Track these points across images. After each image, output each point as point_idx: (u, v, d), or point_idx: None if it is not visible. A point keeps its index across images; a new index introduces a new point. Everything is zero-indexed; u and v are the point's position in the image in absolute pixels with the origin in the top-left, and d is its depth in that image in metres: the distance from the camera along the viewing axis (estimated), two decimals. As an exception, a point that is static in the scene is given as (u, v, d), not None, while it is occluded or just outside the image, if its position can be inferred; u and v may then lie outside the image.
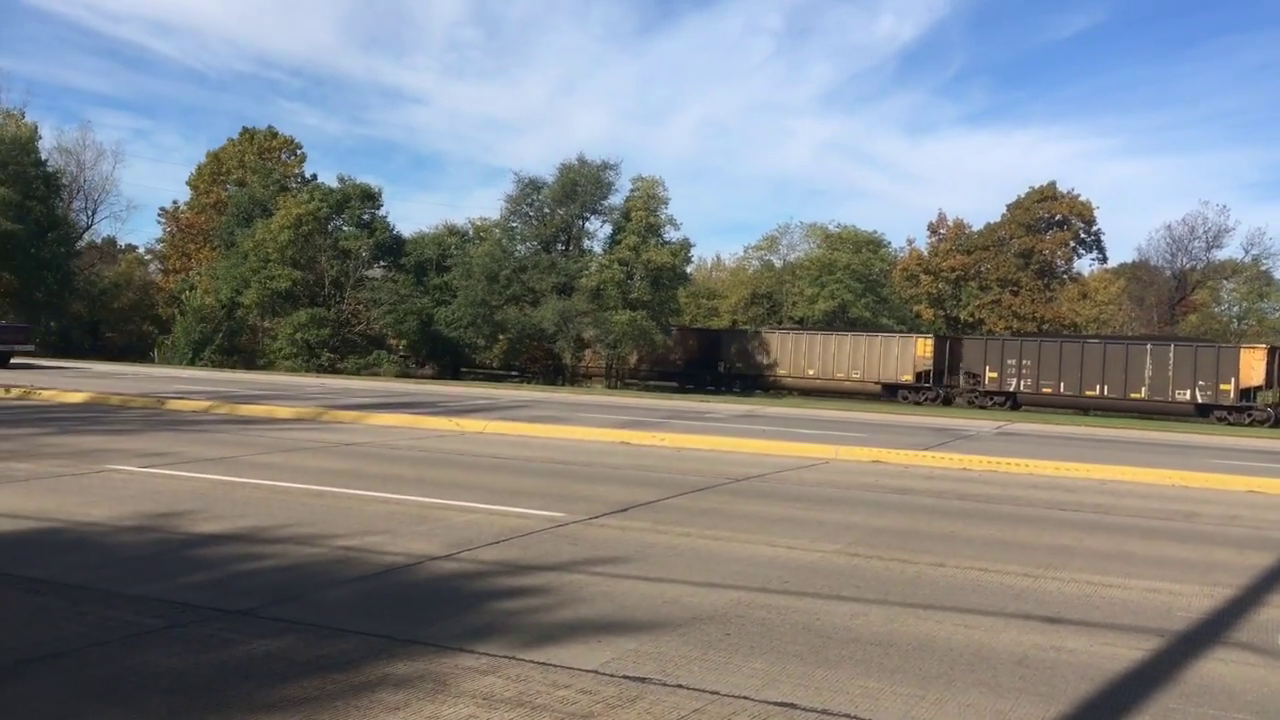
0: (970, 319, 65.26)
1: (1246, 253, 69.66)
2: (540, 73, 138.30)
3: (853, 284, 64.34)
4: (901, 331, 51.56)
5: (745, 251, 77.75)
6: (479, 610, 6.41)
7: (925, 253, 69.41)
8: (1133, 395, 40.18)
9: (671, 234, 50.11)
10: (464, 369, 56.53)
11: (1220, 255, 69.71)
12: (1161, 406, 39.69)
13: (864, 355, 46.37)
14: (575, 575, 7.37)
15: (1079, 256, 68.27)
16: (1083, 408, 41.36)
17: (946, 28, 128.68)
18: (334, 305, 52.06)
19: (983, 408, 41.39)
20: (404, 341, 54.70)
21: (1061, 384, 41.46)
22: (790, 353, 48.48)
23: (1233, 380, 38.37)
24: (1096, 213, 66.32)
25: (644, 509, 10.40)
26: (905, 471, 14.78)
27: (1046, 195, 66.22)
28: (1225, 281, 71.46)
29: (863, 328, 56.86)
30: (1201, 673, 5.67)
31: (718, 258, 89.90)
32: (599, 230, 52.42)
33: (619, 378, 51.46)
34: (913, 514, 10.80)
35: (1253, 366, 38.28)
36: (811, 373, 47.74)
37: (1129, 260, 72.89)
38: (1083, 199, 66.08)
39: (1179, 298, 68.77)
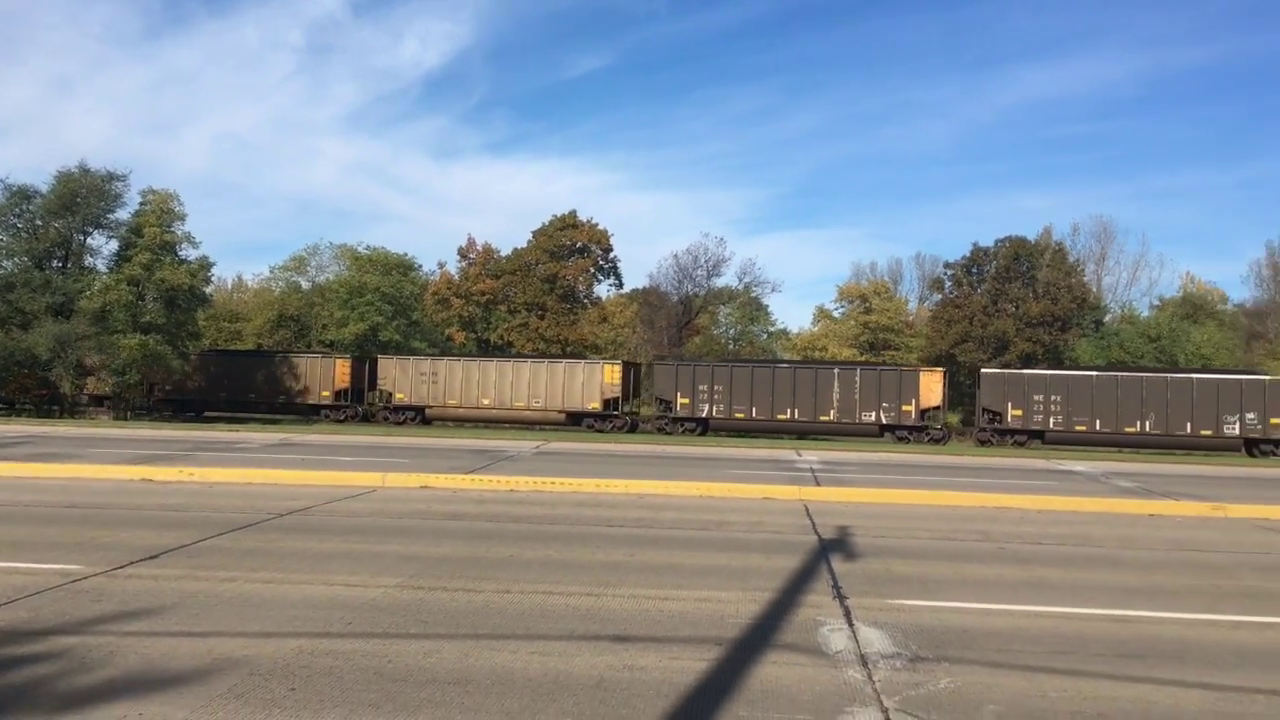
0: (500, 341, 66.88)
1: (740, 281, 77.72)
2: (27, 70, 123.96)
3: (384, 307, 63.67)
4: (588, 359, 49.30)
5: (271, 272, 74.50)
6: (-19, 693, 5.34)
7: (456, 276, 70.20)
8: (822, 418, 41.77)
9: (189, 252, 46.54)
10: (-68, 404, 48.96)
11: (719, 283, 77.09)
12: (850, 428, 41.68)
13: (546, 383, 44.52)
14: (103, 636, 6.41)
15: (599, 282, 72.29)
16: (776, 431, 42.31)
17: (468, 58, 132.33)
18: None
19: (671, 434, 41.45)
20: None
21: (754, 409, 42.08)
22: (461, 381, 45.36)
23: (914, 401, 41.12)
24: (612, 241, 70.65)
25: (178, 554, 9.35)
26: (455, 496, 14.62)
27: (568, 223, 69.51)
28: (723, 306, 79.14)
29: (546, 355, 55.57)
30: (761, 678, 5.96)
31: (240, 278, 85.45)
32: (104, 247, 47.38)
33: (129, 408, 46.98)
34: (471, 540, 10.64)
35: (931, 389, 41.78)
36: (487, 402, 44.98)
37: (641, 286, 78.57)
38: (600, 228, 70.05)
39: (685, 321, 75.03)
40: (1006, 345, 61.91)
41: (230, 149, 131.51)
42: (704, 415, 42.53)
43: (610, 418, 43.88)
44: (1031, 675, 6.17)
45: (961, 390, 58.15)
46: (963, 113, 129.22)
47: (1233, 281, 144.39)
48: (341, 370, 48.04)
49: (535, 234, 69.91)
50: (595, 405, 43.92)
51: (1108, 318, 70.13)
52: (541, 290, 67.05)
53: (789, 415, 42.01)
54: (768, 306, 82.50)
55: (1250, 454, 38.56)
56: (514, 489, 15.51)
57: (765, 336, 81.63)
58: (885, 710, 5.41)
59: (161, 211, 45.72)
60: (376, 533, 11.06)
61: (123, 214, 46.18)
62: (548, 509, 13.36)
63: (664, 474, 17.93)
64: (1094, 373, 42.20)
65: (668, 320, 74.78)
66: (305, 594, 7.82)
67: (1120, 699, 5.79)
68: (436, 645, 6.47)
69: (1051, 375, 41.88)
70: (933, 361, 57.97)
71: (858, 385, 41.95)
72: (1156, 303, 71.42)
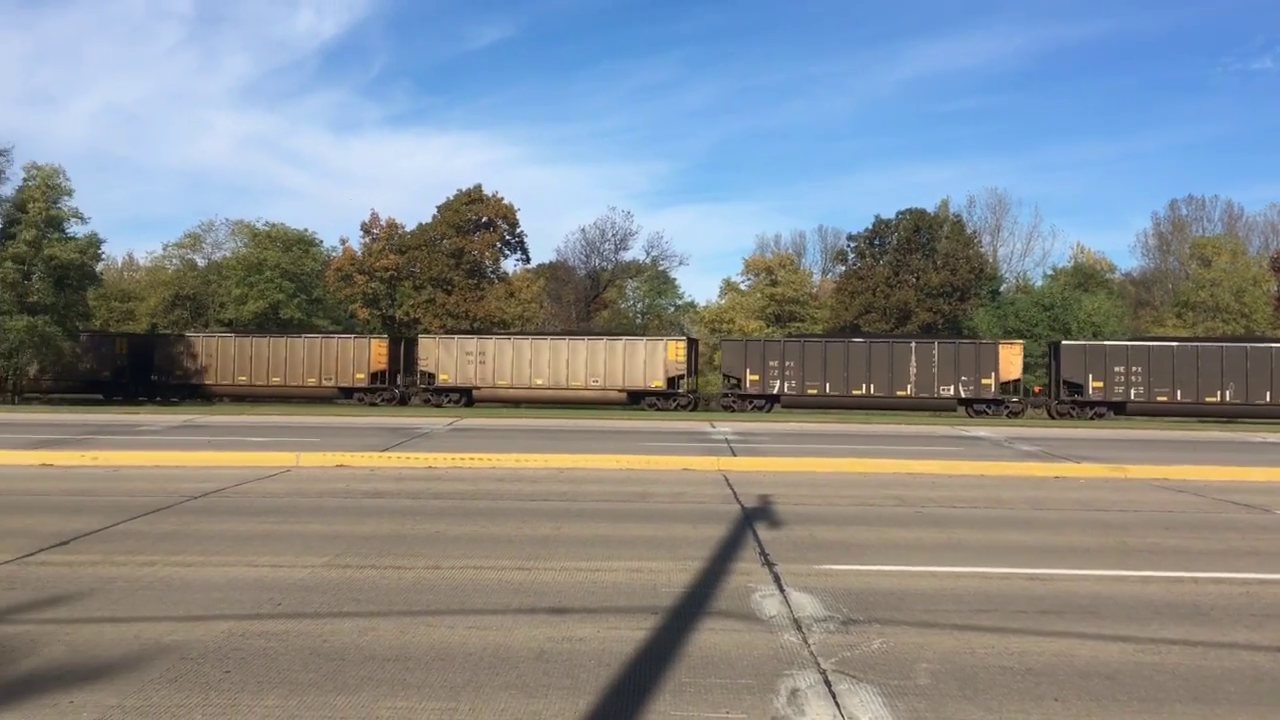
0: (406, 318, 66.08)
1: (648, 254, 77.95)
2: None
3: (284, 284, 62.41)
4: (650, 335, 47.42)
5: (164, 250, 72.33)
6: (-103, 687, 5.13)
7: (359, 252, 69.05)
8: (899, 392, 40.87)
9: (77, 228, 44.94)
10: None
11: (627, 256, 77.28)
12: (927, 402, 40.88)
13: (605, 361, 42.72)
14: (23, 626, 6.20)
15: (505, 256, 71.83)
16: (851, 407, 40.72)
17: (367, 28, 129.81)
18: None
19: (738, 410, 40.55)
20: None
21: (827, 384, 41.04)
22: (512, 360, 43.43)
23: (993, 375, 40.65)
24: (518, 215, 70.24)
25: (92, 539, 9.08)
26: (373, 474, 14.44)
27: (474, 198, 68.83)
28: (631, 280, 79.28)
29: (606, 331, 53.08)
30: (700, 645, 6.02)
31: (130, 257, 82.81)
32: (-13, 224, 45.57)
33: (17, 392, 45.22)
34: (394, 517, 10.53)
35: (1010, 361, 41.06)
36: (540, 382, 43.31)
37: (549, 260, 78.30)
38: (506, 202, 69.56)
39: (594, 295, 75.04)
40: (909, 315, 63.22)
41: (117, 122, 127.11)
42: (775, 392, 41.45)
43: (673, 396, 42.39)
44: (959, 634, 6.35)
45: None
46: (861, 87, 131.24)
47: (1120, 251, 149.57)
48: (378, 351, 45.76)
49: (440, 209, 69.13)
50: (658, 383, 42.45)
51: (1003, 287, 72.06)
52: (447, 265, 66.34)
53: (864, 390, 41.11)
54: (675, 280, 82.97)
55: None
56: (432, 465, 15.37)
57: (673, 310, 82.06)
58: (823, 672, 5.51)
59: (47, 187, 44.04)
60: (296, 512, 10.87)
61: (5, 190, 44.36)
62: (469, 485, 13.27)
63: (581, 448, 17.93)
64: (1174, 343, 41.66)
65: (576, 295, 74.70)
66: (230, 576, 7.66)
67: (1045, 653, 5.98)
68: (371, 623, 6.40)
69: (1131, 346, 41.33)
70: (837, 332, 58.76)
71: (935, 359, 41.13)
72: (1049, 272, 73.57)
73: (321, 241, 70.26)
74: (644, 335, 46.62)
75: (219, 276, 66.19)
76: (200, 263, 69.87)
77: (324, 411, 33.59)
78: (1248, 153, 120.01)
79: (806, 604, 7.01)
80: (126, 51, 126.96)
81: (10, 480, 13.37)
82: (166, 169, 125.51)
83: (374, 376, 45.46)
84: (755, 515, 11.01)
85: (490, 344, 44.50)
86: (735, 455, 17.30)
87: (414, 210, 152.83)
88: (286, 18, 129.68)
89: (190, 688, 5.10)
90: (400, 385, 46.04)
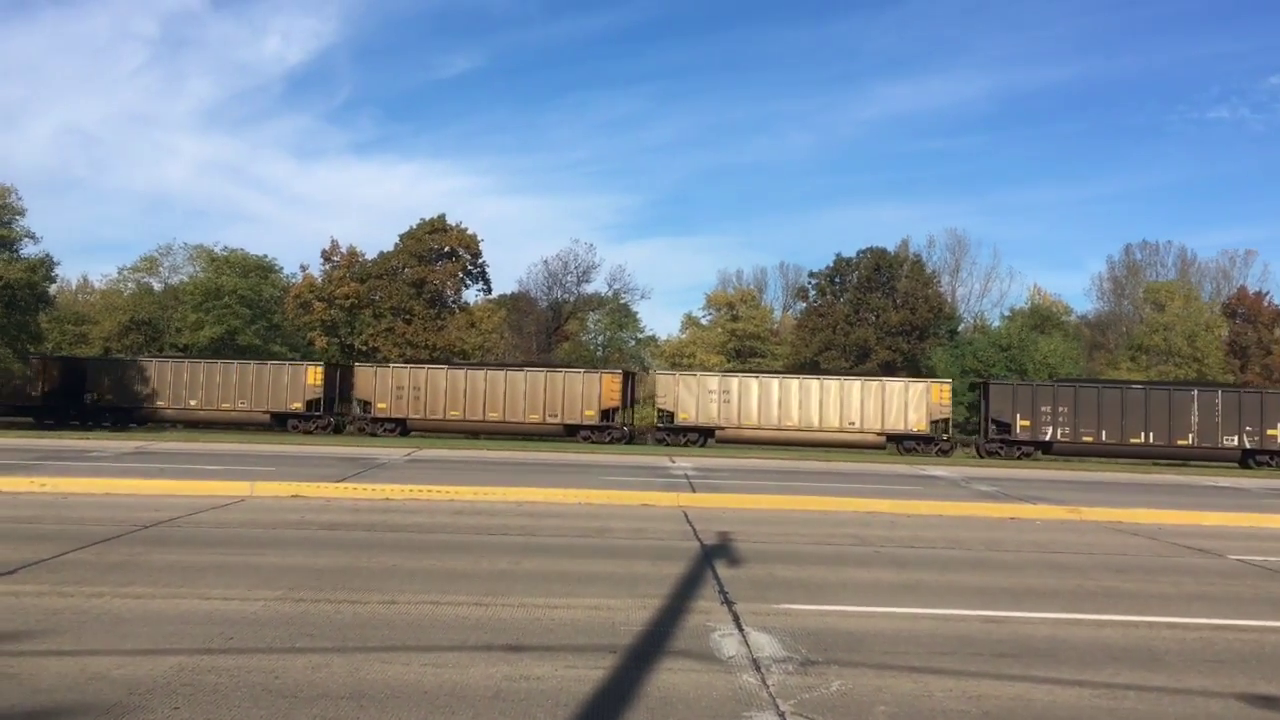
0: (365, 347, 65.52)
1: (610, 287, 78.03)
2: None
3: (241, 310, 61.68)
4: (910, 378, 45.34)
5: (120, 273, 71.32)
6: None
7: (319, 279, 68.49)
8: (1180, 441, 39.63)
9: (29, 248, 44.18)
10: None
11: (589, 289, 77.30)
12: (1210, 452, 40.03)
13: (860, 403, 41.01)
14: (-38, 659, 6.03)
15: (467, 287, 71.47)
16: (1127, 455, 40.15)
17: (334, 56, 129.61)
18: None
19: (1007, 458, 39.39)
20: None
21: (1103, 431, 39.89)
22: (759, 399, 41.30)
23: (1278, 425, 39.87)
24: (481, 246, 70.02)
25: (38, 569, 8.88)
26: (329, 505, 14.26)
27: (436, 227, 68.58)
28: (593, 313, 79.27)
29: (863, 373, 50.60)
30: (659, 685, 5.98)
31: (85, 279, 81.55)
32: (-65, 242, 44.64)
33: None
34: (350, 550, 10.39)
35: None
36: (790, 423, 41.25)
37: (510, 291, 78.11)
38: (469, 232, 69.30)
39: (555, 327, 74.96)
40: (868, 353, 63.69)
41: (75, 143, 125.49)
42: (1046, 438, 40.28)
43: (935, 441, 40.90)
44: (917, 676, 6.34)
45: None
46: (826, 125, 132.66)
47: (1076, 294, 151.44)
48: (609, 387, 42.73)
49: (402, 237, 68.73)
50: (922, 427, 40.77)
51: (961, 327, 72.74)
52: (408, 295, 65.92)
53: (1143, 439, 39.81)
54: (637, 313, 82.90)
55: (1245, 465, 39.15)
56: (389, 498, 15.21)
57: (634, 343, 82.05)
58: (781, 714, 5.48)
59: (-2, 205, 43.30)
60: (250, 544, 10.70)
61: (-43, 209, 43.50)
62: (426, 518, 13.14)
63: (539, 481, 17.82)
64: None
65: (537, 326, 74.55)
66: (180, 609, 7.51)
67: (1002, 697, 5.99)
68: (325, 659, 6.29)
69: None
70: (797, 369, 58.87)
71: (1219, 409, 39.87)
72: (1007, 313, 74.26)
73: (281, 268, 69.57)
74: (906, 378, 44.88)
75: (175, 301, 65.32)
76: (157, 287, 68.94)
77: (278, 440, 33.11)
78: (1201, 199, 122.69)
79: (765, 644, 6.99)
80: (89, 72, 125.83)
81: (-45, 506, 13.07)
82: (126, 192, 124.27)
83: (604, 414, 42.63)
84: (715, 553, 10.98)
85: (734, 382, 42.50)
86: (695, 491, 17.28)
87: (376, 239, 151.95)
88: (252, 43, 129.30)
89: (137, 725, 4.99)
90: (628, 424, 43.93)
